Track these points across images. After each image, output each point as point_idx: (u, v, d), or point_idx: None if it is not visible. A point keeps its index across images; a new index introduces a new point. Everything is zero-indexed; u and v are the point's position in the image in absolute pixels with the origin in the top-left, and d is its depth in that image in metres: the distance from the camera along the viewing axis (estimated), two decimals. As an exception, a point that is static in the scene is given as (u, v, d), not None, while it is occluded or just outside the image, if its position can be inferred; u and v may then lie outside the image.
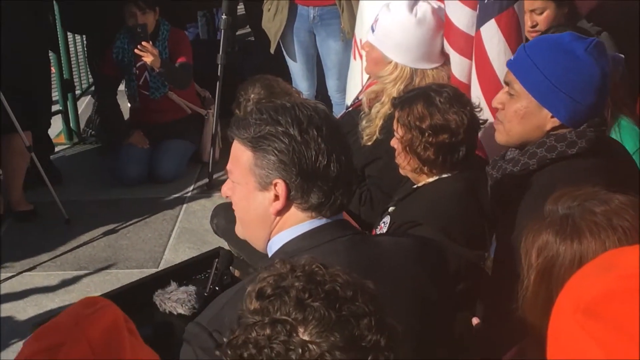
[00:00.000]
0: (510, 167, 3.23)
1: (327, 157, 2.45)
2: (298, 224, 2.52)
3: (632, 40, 5.25)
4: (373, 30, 4.52)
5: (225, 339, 1.88)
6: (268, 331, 1.78)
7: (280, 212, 2.51)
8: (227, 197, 2.64)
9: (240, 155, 2.52)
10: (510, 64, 3.23)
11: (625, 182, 3.00)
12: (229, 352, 1.84)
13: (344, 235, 2.54)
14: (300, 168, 2.44)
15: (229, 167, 2.59)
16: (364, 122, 4.42)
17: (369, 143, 4.35)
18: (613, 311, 1.34)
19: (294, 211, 2.51)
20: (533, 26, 5.07)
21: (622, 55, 4.96)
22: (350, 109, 4.89)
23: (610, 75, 3.20)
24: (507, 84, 3.23)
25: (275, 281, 1.87)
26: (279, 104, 2.55)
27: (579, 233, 2.30)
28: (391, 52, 4.44)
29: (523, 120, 3.19)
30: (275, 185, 2.47)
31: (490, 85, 4.21)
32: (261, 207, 2.52)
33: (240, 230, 2.68)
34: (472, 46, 4.34)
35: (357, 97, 4.97)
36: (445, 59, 4.49)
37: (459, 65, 4.42)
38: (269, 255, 2.56)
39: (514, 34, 4.20)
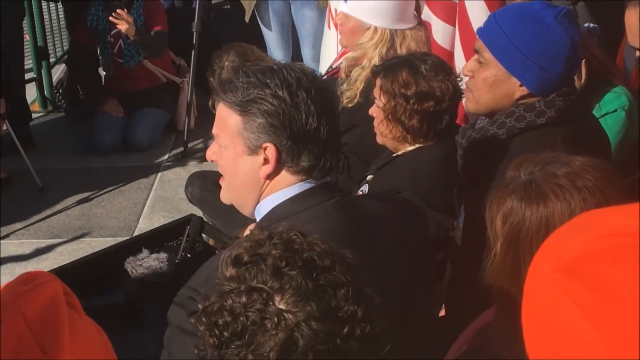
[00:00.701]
0: (480, 137, 3.23)
1: (317, 119, 2.43)
2: (287, 187, 2.50)
3: (608, 10, 5.25)
4: (345, 1, 4.50)
5: (200, 306, 1.87)
6: (244, 299, 1.77)
7: (270, 176, 2.49)
8: (212, 161, 2.62)
9: (228, 118, 2.49)
10: (480, 32, 3.22)
11: (595, 151, 3.01)
12: (204, 319, 1.83)
13: (333, 197, 2.53)
14: (290, 131, 2.42)
15: (215, 131, 2.56)
16: (344, 85, 4.39)
17: (350, 105, 4.32)
18: (593, 271, 1.32)
19: (284, 174, 2.49)
20: None
21: (597, 26, 4.97)
22: (325, 76, 4.85)
23: (580, 44, 3.19)
24: (476, 51, 3.23)
25: (252, 248, 1.85)
26: (267, 66, 2.52)
27: (543, 196, 2.31)
28: (368, 17, 4.40)
29: (492, 88, 3.18)
30: (265, 149, 2.45)
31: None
32: (251, 171, 2.49)
33: (226, 195, 2.65)
34: (455, 13, 4.34)
35: (330, 67, 4.94)
36: (419, 20, 4.47)
37: (442, 32, 4.42)
38: (257, 219, 2.54)
39: (496, 2, 4.21)
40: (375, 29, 4.38)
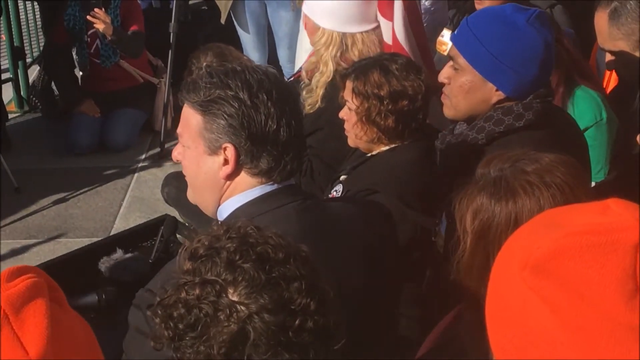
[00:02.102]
0: (460, 142, 3.24)
1: (277, 122, 2.44)
2: (248, 189, 2.52)
3: (584, 12, 5.28)
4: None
5: (157, 298, 1.89)
6: (198, 291, 1.79)
7: (230, 177, 2.51)
8: (177, 161, 2.63)
9: (190, 118, 2.51)
10: (453, 38, 3.24)
11: (573, 153, 3.03)
12: (159, 311, 1.85)
13: (295, 200, 2.55)
14: (249, 132, 2.43)
15: (179, 130, 2.58)
16: (304, 92, 4.40)
17: (312, 112, 4.34)
18: (562, 269, 1.35)
19: (243, 176, 2.51)
20: None
21: (572, 31, 5.00)
22: (291, 79, 4.87)
23: (554, 45, 3.21)
24: (451, 58, 3.24)
25: (209, 242, 1.87)
26: (230, 67, 2.53)
27: (513, 193, 2.33)
28: (319, 18, 4.41)
29: (468, 94, 3.20)
30: (225, 149, 2.46)
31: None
32: (211, 172, 2.51)
33: (190, 195, 2.68)
34: (391, 8, 4.37)
35: (300, 67, 4.95)
36: (378, 23, 4.48)
37: (384, 27, 4.44)
38: (219, 221, 2.55)
39: None
40: (324, 30, 4.38)
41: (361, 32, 4.40)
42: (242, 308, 1.76)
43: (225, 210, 2.55)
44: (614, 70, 4.66)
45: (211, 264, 1.82)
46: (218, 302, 1.77)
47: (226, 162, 2.48)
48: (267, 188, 2.53)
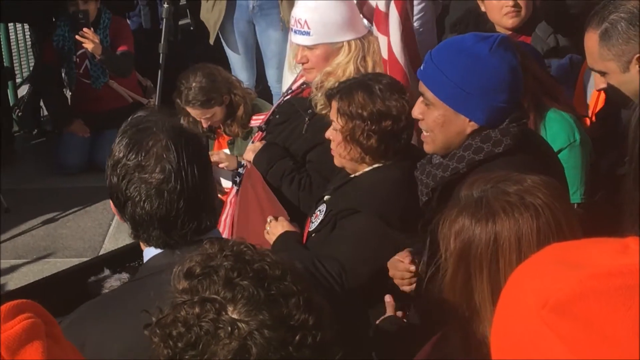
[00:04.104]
0: (441, 173, 3.24)
1: (149, 200, 2.46)
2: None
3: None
4: (307, 33, 4.43)
5: (154, 319, 1.90)
6: (197, 310, 1.81)
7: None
8: None
9: None
10: (420, 74, 3.25)
11: (551, 174, 3.05)
12: (158, 331, 1.86)
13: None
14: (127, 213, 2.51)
15: None
16: (319, 94, 4.31)
17: (324, 112, 4.25)
18: (587, 310, 1.33)
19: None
20: (514, 5, 4.87)
21: (580, 57, 4.99)
22: (288, 96, 4.82)
23: (520, 67, 3.22)
24: (422, 94, 3.26)
25: (204, 261, 1.89)
26: (145, 128, 2.57)
27: (493, 213, 2.36)
28: (338, 36, 4.40)
29: (443, 128, 3.21)
30: None
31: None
32: None
33: None
34: (387, 23, 4.38)
35: (290, 88, 4.90)
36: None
37: (381, 42, 4.46)
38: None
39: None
40: (348, 43, 4.38)
41: (370, 33, 4.44)
42: (243, 325, 1.78)
43: (145, 257, 2.61)
44: (602, 93, 4.70)
45: (209, 282, 1.84)
46: (218, 320, 1.79)
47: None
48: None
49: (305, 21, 4.43)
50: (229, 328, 1.78)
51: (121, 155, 2.46)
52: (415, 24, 5.72)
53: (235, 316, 1.79)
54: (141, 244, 2.59)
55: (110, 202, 2.54)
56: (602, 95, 4.74)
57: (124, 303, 2.50)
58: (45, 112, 7.95)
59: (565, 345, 1.35)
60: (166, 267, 2.19)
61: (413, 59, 4.53)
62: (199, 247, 2.09)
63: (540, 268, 1.47)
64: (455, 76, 3.12)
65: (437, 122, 3.21)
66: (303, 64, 4.49)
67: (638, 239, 1.39)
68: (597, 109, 4.67)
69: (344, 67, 4.34)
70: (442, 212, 2.50)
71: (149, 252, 2.56)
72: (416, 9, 5.73)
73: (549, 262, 1.46)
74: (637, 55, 3.61)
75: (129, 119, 2.56)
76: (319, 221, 3.76)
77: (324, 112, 4.23)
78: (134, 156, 2.44)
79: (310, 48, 4.44)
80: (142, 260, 3.68)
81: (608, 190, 3.89)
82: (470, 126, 3.16)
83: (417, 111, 3.28)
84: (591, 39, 3.73)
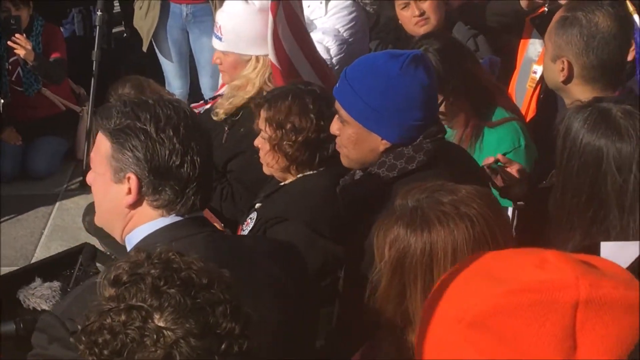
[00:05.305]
0: (358, 188, 3.32)
1: (181, 158, 2.49)
2: (153, 220, 2.56)
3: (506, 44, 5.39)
4: (220, 39, 4.53)
5: (79, 326, 1.89)
6: (123, 317, 1.80)
7: (132, 206, 2.55)
8: (90, 184, 2.67)
9: (100, 144, 2.56)
10: (335, 91, 3.31)
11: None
12: (83, 338, 1.85)
13: (202, 231, 2.59)
14: (152, 165, 2.48)
15: (92, 155, 2.63)
16: (221, 98, 4.44)
17: (224, 116, 4.37)
18: (501, 325, 1.36)
19: (145, 207, 2.55)
20: (421, 14, 5.05)
21: (498, 58, 5.10)
22: (208, 105, 4.89)
23: (434, 84, 3.25)
24: (337, 110, 3.30)
25: (131, 268, 1.89)
26: (143, 99, 2.58)
27: (428, 223, 2.38)
28: (248, 49, 4.46)
29: (357, 145, 3.27)
30: (129, 179, 2.50)
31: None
32: (115, 199, 2.55)
33: (97, 219, 2.73)
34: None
35: (213, 97, 4.97)
36: None
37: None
38: (128, 249, 2.58)
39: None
40: (257, 57, 4.44)
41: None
42: (169, 333, 1.78)
43: (133, 239, 2.58)
44: (534, 101, 4.79)
45: (136, 290, 1.83)
46: (144, 328, 1.79)
47: (129, 191, 2.52)
48: (174, 218, 2.56)
49: (220, 27, 4.53)
50: (155, 336, 1.78)
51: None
52: (345, 34, 5.79)
53: (161, 324, 1.79)
54: (131, 222, 2.57)
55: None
56: (533, 105, 4.84)
57: None
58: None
59: (483, 358, 1.38)
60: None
61: (308, 53, 4.59)
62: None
63: (461, 281, 1.49)
64: (366, 95, 3.17)
65: (350, 139, 3.27)
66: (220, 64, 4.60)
67: (558, 253, 1.42)
68: (529, 119, 4.76)
69: (252, 82, 4.38)
70: (376, 222, 2.52)
71: (140, 232, 2.56)
72: (346, 19, 5.80)
73: (472, 275, 1.49)
74: (565, 58, 3.69)
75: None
76: (249, 229, 3.78)
77: (223, 116, 4.29)
78: None
79: (223, 52, 4.53)
80: (74, 268, 3.70)
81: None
82: (383, 144, 3.21)
83: (334, 127, 3.34)
84: (556, 15, 3.87)
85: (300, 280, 2.79)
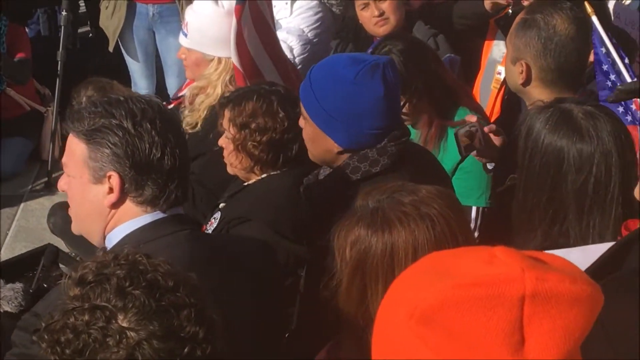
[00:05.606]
0: (322, 189, 3.34)
1: (161, 150, 2.49)
2: (134, 218, 2.55)
3: (468, 44, 5.42)
4: (185, 35, 4.57)
5: (43, 324, 1.89)
6: (87, 317, 1.81)
7: (115, 205, 2.54)
8: (63, 191, 2.66)
9: (75, 148, 2.54)
10: (300, 87, 3.33)
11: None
12: (46, 336, 1.85)
13: (184, 229, 2.59)
14: (134, 161, 2.48)
15: (64, 160, 2.62)
16: (186, 111, 4.45)
17: (190, 131, 4.38)
18: (449, 320, 1.36)
19: (128, 204, 2.55)
20: (380, 14, 5.08)
21: (458, 57, 5.12)
22: (171, 106, 4.90)
23: (390, 93, 3.23)
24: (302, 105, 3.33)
25: (97, 268, 1.89)
26: (114, 97, 2.58)
27: (389, 224, 2.39)
28: (211, 49, 4.50)
29: (314, 144, 3.31)
30: (109, 177, 2.50)
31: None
32: (96, 200, 2.54)
33: (75, 227, 2.70)
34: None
35: (175, 95, 4.98)
36: None
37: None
38: (108, 248, 2.57)
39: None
40: (219, 59, 4.48)
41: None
42: (132, 334, 1.78)
43: (113, 239, 2.57)
44: (498, 102, 4.82)
45: (101, 290, 1.83)
46: (107, 328, 1.79)
47: (111, 190, 2.51)
48: (154, 216, 2.56)
49: (187, 23, 4.60)
50: (118, 337, 1.78)
51: None
52: (309, 35, 5.80)
53: (125, 325, 1.79)
54: (112, 221, 2.56)
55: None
56: (498, 106, 4.87)
57: None
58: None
59: (433, 354, 1.39)
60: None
61: (275, 60, 4.61)
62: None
63: (413, 278, 1.50)
64: (322, 98, 3.19)
65: (309, 136, 3.31)
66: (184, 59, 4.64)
67: (505, 248, 1.43)
68: (493, 116, 4.78)
69: (214, 84, 4.40)
70: (336, 224, 2.53)
71: (122, 230, 2.55)
72: (312, 19, 5.82)
73: (422, 272, 1.49)
74: (523, 61, 3.72)
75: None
76: (212, 228, 3.77)
77: (190, 131, 4.30)
78: None
79: (188, 49, 4.58)
80: (37, 269, 3.68)
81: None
82: (336, 147, 3.23)
83: (300, 121, 3.36)
84: (518, 18, 3.91)
85: (273, 278, 2.81)
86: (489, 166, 3.67)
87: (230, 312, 2.11)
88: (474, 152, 3.56)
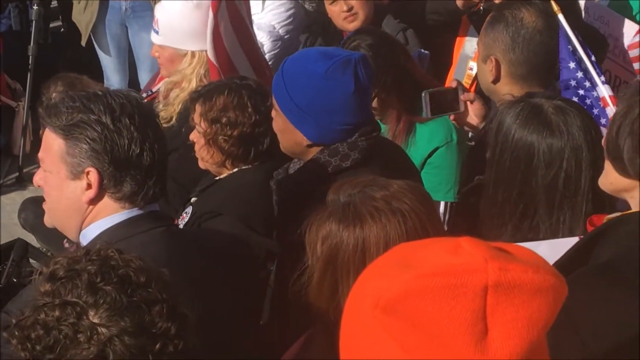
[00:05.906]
0: (292, 183, 3.34)
1: (140, 146, 2.49)
2: (112, 214, 2.54)
3: (438, 40, 5.43)
4: (157, 32, 4.56)
5: (14, 320, 1.88)
6: (57, 313, 1.80)
7: (93, 201, 2.53)
8: (39, 186, 2.64)
9: (52, 143, 2.52)
10: (273, 79, 3.33)
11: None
12: (17, 332, 1.85)
13: (159, 225, 2.58)
14: (112, 156, 2.47)
15: (40, 155, 2.59)
16: (160, 105, 4.43)
17: (165, 125, 4.34)
18: (412, 310, 1.37)
19: (106, 201, 2.53)
20: (349, 10, 5.06)
21: (427, 52, 5.13)
22: (145, 100, 4.87)
23: (362, 89, 3.22)
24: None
25: (68, 264, 1.88)
26: (92, 92, 2.56)
27: (360, 218, 2.39)
28: (183, 43, 4.49)
29: (283, 135, 3.30)
30: (88, 173, 2.48)
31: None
32: (73, 196, 2.53)
33: (49, 219, 2.68)
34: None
35: (150, 90, 4.96)
36: None
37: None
38: (84, 244, 2.56)
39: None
40: (193, 53, 4.47)
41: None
42: (103, 330, 1.78)
43: (89, 234, 2.56)
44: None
45: (72, 286, 1.83)
46: (78, 324, 1.79)
47: (89, 186, 2.50)
48: (132, 213, 2.56)
49: (157, 20, 4.58)
50: (89, 333, 1.78)
51: None
52: (280, 31, 5.81)
53: (96, 321, 1.79)
54: (89, 216, 2.55)
55: None
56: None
57: None
58: None
59: (397, 344, 1.39)
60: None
61: (250, 55, 4.61)
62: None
63: (380, 269, 1.50)
64: (292, 91, 3.18)
65: (279, 128, 3.30)
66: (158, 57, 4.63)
67: (471, 239, 1.43)
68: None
69: (188, 78, 4.39)
70: (307, 218, 2.52)
71: (98, 227, 2.54)
72: (283, 15, 5.82)
73: (389, 263, 1.50)
74: (493, 57, 3.73)
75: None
76: (184, 223, 3.77)
77: (164, 125, 4.28)
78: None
79: (160, 46, 4.56)
80: (6, 264, 3.65)
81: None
82: (305, 140, 3.23)
83: (272, 112, 3.35)
84: (488, 17, 3.93)
85: (249, 273, 2.81)
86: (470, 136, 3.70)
87: (209, 307, 2.11)
88: (452, 117, 3.59)
